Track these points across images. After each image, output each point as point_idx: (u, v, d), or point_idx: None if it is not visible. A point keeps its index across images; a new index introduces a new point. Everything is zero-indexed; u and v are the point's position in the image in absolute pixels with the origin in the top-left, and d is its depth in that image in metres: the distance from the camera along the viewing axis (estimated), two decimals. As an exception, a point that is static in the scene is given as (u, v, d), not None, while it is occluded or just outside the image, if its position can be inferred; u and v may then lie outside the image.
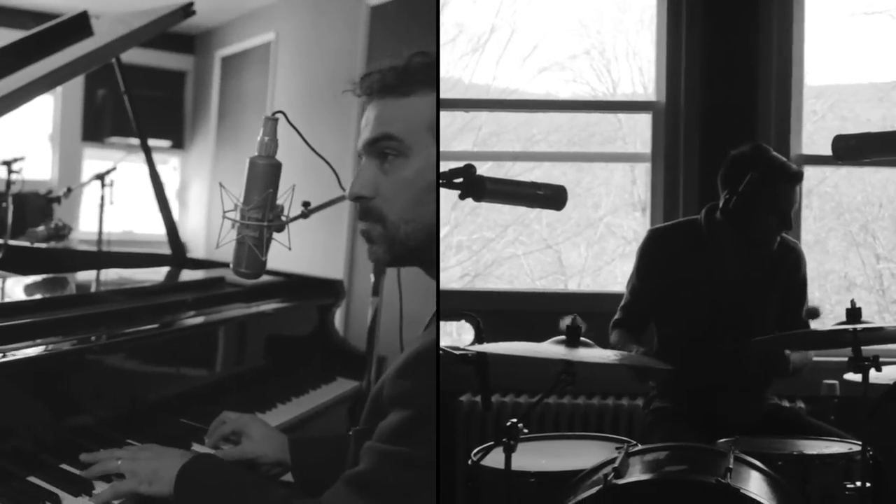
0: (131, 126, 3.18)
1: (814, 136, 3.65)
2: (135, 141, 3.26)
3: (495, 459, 2.11)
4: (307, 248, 1.71)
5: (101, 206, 4.71)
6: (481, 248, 4.02)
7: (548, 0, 3.87)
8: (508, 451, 1.99)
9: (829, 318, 3.61)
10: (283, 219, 1.76)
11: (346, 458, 1.60)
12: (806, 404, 3.00)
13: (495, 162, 3.85)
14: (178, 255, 3.20)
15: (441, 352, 1.98)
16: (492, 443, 2.12)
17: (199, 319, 2.43)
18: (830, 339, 2.44)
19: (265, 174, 1.74)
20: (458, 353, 1.99)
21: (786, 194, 2.66)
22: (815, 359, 2.88)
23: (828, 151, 2.32)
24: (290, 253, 1.85)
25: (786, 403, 2.66)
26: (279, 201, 1.77)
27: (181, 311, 2.43)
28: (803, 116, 3.57)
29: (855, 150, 2.24)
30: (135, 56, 2.98)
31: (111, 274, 2.94)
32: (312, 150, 1.83)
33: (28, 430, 1.81)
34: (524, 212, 3.85)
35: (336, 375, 2.80)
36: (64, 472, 1.81)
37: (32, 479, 1.76)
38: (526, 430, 2.01)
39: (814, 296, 2.94)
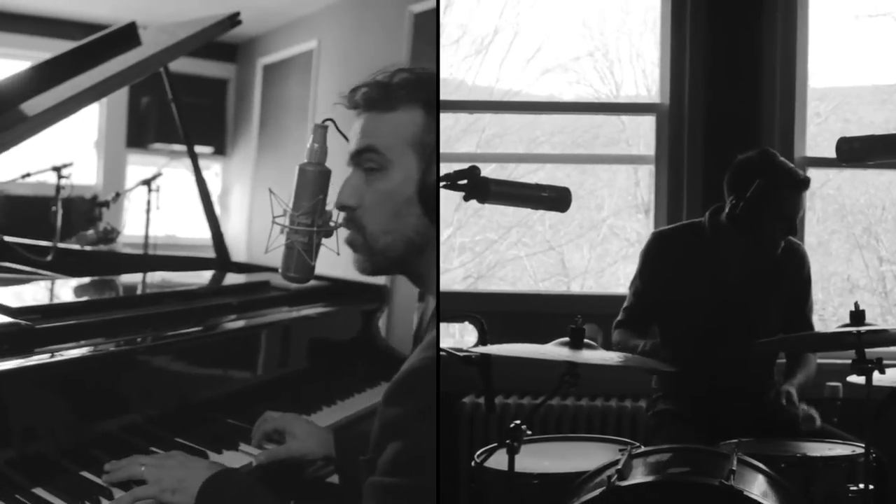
0: (174, 132, 3.22)
1: (817, 138, 3.65)
2: (178, 147, 3.31)
3: (498, 461, 2.11)
4: (352, 254, 1.72)
5: (148, 210, 4.78)
6: (484, 250, 4.02)
7: (551, 2, 3.87)
8: (512, 453, 1.99)
9: (833, 321, 3.62)
10: (332, 224, 1.75)
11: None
12: (809, 407, 3.00)
13: (498, 164, 3.85)
14: (222, 258, 3.22)
15: (444, 353, 1.99)
16: (495, 444, 2.11)
17: (245, 322, 2.46)
18: (834, 342, 2.44)
19: (315, 181, 1.74)
20: (461, 354, 2.00)
21: (793, 201, 2.66)
22: (819, 361, 2.87)
23: (831, 154, 2.32)
24: (335, 258, 1.85)
25: (804, 406, 2.66)
26: (328, 207, 1.76)
27: (227, 314, 2.48)
28: (807, 119, 3.57)
29: (858, 152, 2.24)
30: (178, 64, 3.02)
31: (156, 277, 2.98)
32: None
33: (80, 427, 1.85)
34: (527, 213, 3.85)
35: (380, 380, 2.80)
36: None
37: (85, 474, 1.81)
38: (529, 432, 2.01)
39: (817, 297, 2.94)
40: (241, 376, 2.39)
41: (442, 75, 3.88)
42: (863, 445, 2.23)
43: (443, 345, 2.20)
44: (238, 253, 3.19)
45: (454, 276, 3.94)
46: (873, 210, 3.84)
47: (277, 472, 1.97)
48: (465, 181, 1.72)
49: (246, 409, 2.23)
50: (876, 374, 2.23)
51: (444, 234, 3.95)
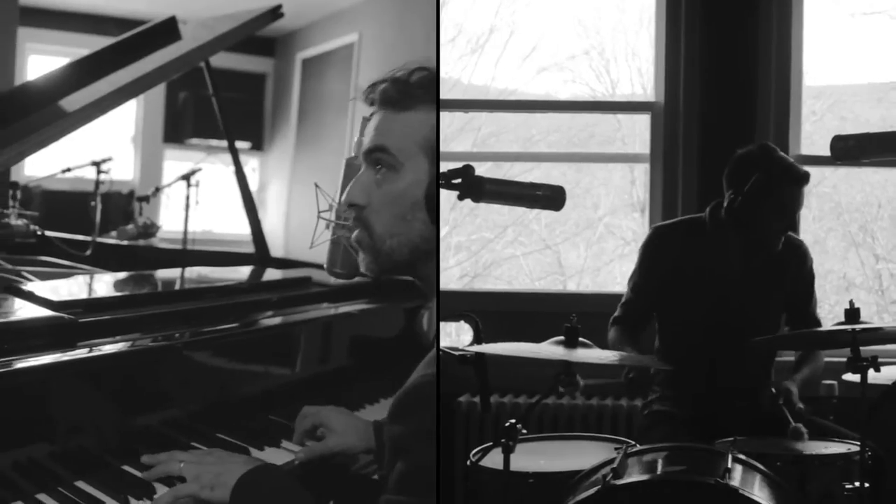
0: (212, 128, 3.17)
1: (813, 136, 3.65)
2: (215, 142, 3.28)
3: (494, 460, 2.11)
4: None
5: (187, 205, 4.77)
6: (480, 249, 4.02)
7: (547, 0, 3.88)
8: (507, 452, 1.99)
9: (829, 319, 3.62)
10: None
11: None
12: (805, 405, 3.00)
13: (494, 162, 3.85)
14: (262, 254, 3.18)
15: (440, 352, 1.98)
16: (490, 443, 2.12)
17: (286, 318, 2.43)
18: (829, 340, 2.44)
19: None
20: (457, 353, 1.99)
21: (792, 196, 2.65)
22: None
23: (827, 152, 2.32)
24: None
25: (800, 405, 2.66)
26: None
27: (268, 309, 2.45)
28: (802, 117, 3.57)
29: (854, 150, 2.25)
30: (215, 59, 3.00)
31: (194, 272, 2.95)
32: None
33: (121, 421, 1.85)
34: (523, 212, 3.85)
35: None
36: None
37: (126, 468, 1.80)
38: (525, 431, 2.01)
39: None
40: (282, 373, 2.37)
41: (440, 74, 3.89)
42: (858, 443, 2.23)
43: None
44: (276, 249, 3.16)
45: (450, 275, 3.94)
46: (869, 208, 3.85)
47: (319, 468, 1.95)
48: (459, 180, 1.72)
49: (288, 406, 2.21)
50: (871, 373, 2.23)
51: (440, 232, 3.94)
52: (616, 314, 2.86)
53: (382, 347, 2.75)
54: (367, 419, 2.06)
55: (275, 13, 2.94)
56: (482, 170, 1.76)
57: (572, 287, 3.96)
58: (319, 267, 2.10)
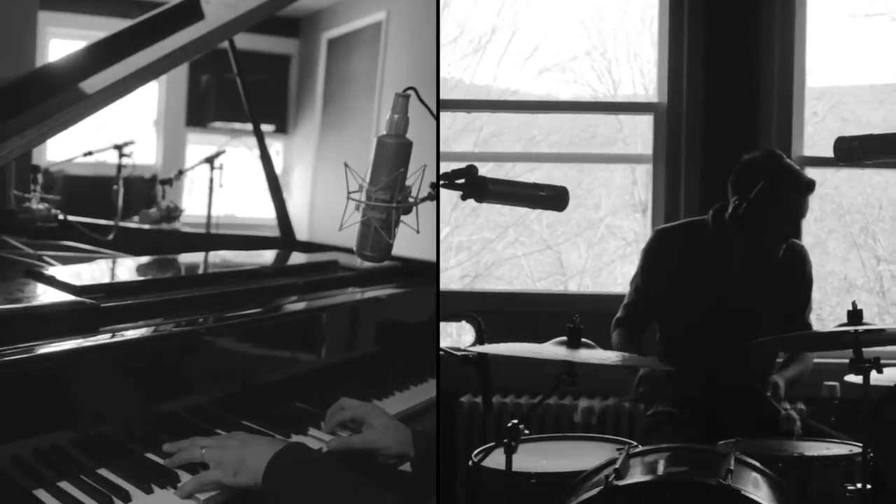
0: (235, 111, 3.12)
1: (815, 137, 3.65)
2: (238, 125, 3.23)
3: (496, 460, 2.11)
4: (428, 233, 1.66)
5: (211, 188, 4.73)
6: (481, 249, 4.02)
7: (549, 1, 3.87)
8: (509, 452, 1.99)
9: (830, 320, 3.62)
10: (411, 200, 1.66)
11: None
12: (806, 406, 3.01)
13: (496, 163, 3.85)
14: (287, 238, 3.13)
15: (442, 353, 1.98)
16: (493, 444, 2.11)
17: (312, 303, 2.39)
18: (831, 341, 2.44)
19: (395, 153, 1.63)
20: (458, 353, 1.99)
21: (797, 204, 2.65)
22: (816, 360, 2.88)
23: (829, 153, 2.32)
24: (405, 237, 1.79)
25: (786, 405, 2.66)
26: (407, 182, 1.66)
27: (294, 294, 2.41)
28: (804, 118, 3.57)
29: (856, 151, 2.24)
30: (238, 40, 2.96)
31: (218, 256, 2.90)
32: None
33: (144, 408, 1.83)
34: (524, 212, 3.85)
35: None
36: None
37: (150, 455, 1.79)
38: (527, 431, 2.01)
39: (814, 297, 2.94)
40: (309, 359, 2.32)
41: (440, 74, 3.89)
42: (860, 445, 2.23)
43: (441, 344, 2.20)
44: (300, 232, 3.12)
45: (451, 275, 3.94)
46: (870, 209, 3.84)
47: (347, 459, 1.93)
48: (462, 180, 1.71)
49: (314, 393, 2.19)
50: (873, 374, 2.24)
51: (442, 233, 3.95)
52: (618, 315, 2.86)
53: (412, 332, 2.69)
54: (400, 420, 2.05)
55: None
56: (484, 170, 1.75)
57: (573, 288, 3.96)
58: (345, 250, 2.06)
